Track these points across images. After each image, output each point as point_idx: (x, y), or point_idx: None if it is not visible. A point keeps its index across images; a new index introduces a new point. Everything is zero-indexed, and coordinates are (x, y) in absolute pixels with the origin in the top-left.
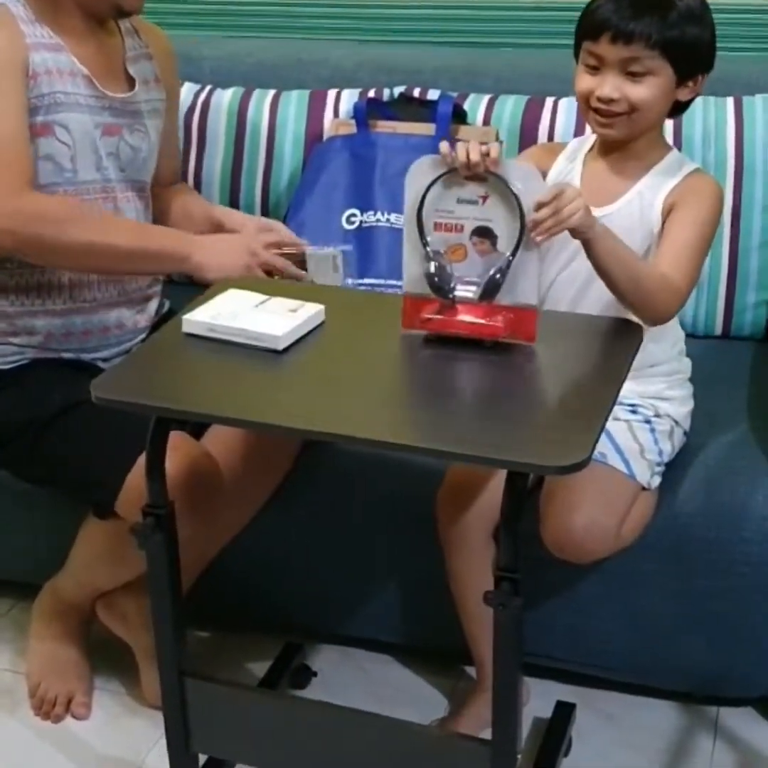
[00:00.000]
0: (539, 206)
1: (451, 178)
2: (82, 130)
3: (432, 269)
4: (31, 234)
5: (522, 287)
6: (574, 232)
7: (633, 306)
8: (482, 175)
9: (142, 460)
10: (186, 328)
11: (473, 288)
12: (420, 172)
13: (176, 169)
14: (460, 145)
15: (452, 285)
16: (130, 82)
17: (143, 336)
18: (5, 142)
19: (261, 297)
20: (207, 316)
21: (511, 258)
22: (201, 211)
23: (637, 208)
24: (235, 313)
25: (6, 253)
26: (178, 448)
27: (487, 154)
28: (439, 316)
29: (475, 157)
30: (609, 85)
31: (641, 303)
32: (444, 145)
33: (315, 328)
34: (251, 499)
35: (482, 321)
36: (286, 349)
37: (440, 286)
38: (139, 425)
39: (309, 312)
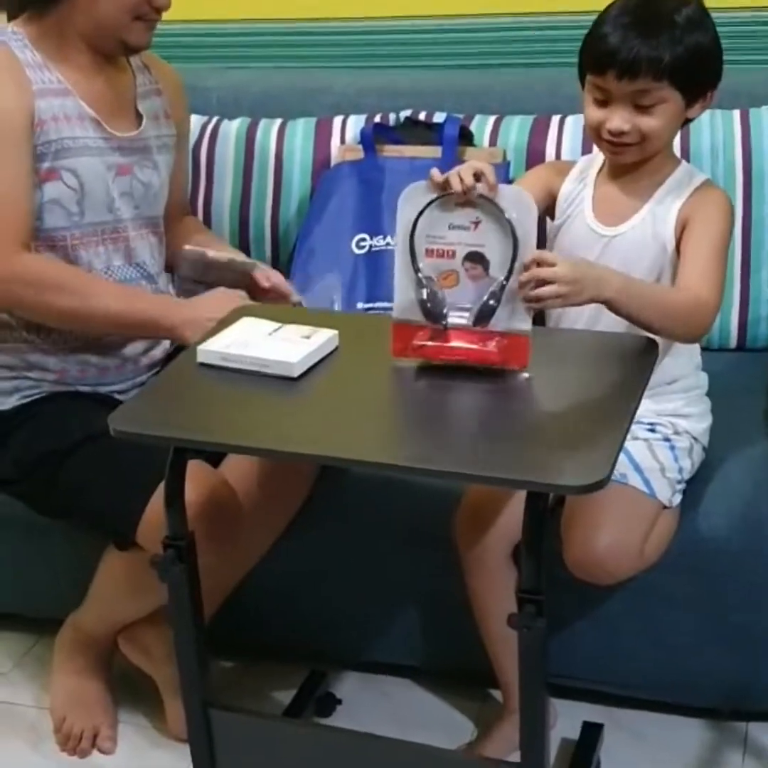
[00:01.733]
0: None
1: (443, 203)
2: (92, 174)
3: (424, 296)
4: (14, 298)
5: (515, 313)
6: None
7: (671, 336)
8: (475, 200)
9: (161, 490)
10: (200, 358)
11: (466, 314)
12: (411, 198)
13: (185, 203)
14: (452, 173)
15: (445, 311)
16: (140, 118)
17: (159, 367)
18: (2, 201)
19: (274, 325)
20: (221, 346)
21: (504, 283)
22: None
23: (650, 225)
24: (248, 341)
25: None
26: (196, 478)
27: (479, 178)
28: (431, 343)
29: (468, 180)
30: (619, 119)
31: (678, 331)
32: (435, 172)
33: (329, 354)
34: (270, 527)
35: (475, 347)
36: (301, 376)
37: (433, 312)
38: (157, 456)
39: (322, 338)
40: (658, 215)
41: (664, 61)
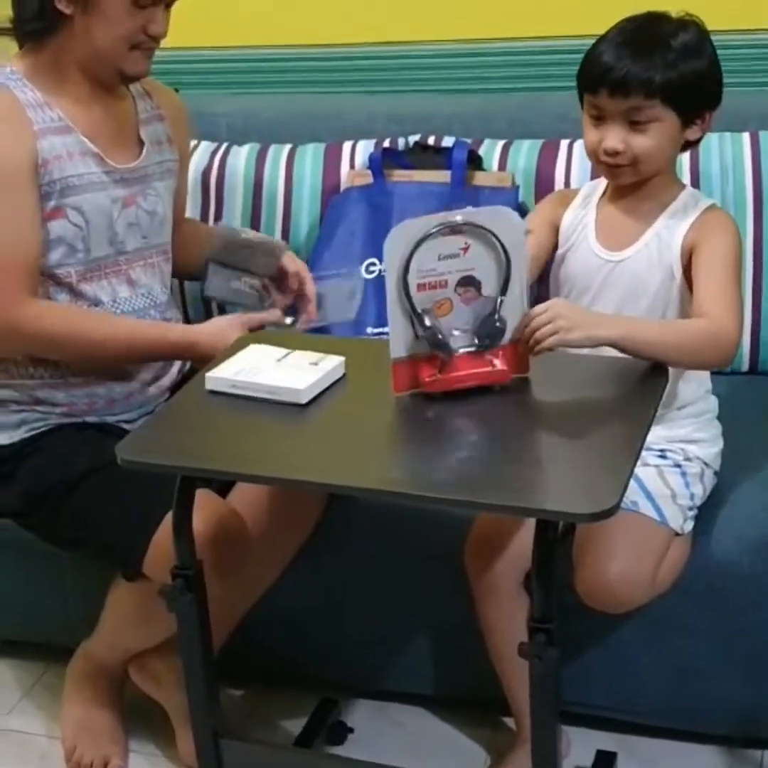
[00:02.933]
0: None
1: (429, 237)
2: (97, 210)
3: (430, 328)
4: (19, 349)
5: (510, 326)
6: (586, 346)
7: (694, 367)
8: (460, 228)
9: (168, 520)
10: (209, 385)
11: (465, 338)
12: (397, 240)
13: (182, 215)
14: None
15: (447, 339)
16: (141, 145)
17: (167, 396)
18: (10, 251)
19: (282, 351)
20: (229, 373)
21: (502, 298)
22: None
23: (655, 250)
24: (256, 368)
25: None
26: (204, 507)
27: None
28: (440, 376)
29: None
30: (612, 137)
31: (700, 362)
32: None
33: (337, 381)
34: (279, 556)
35: (484, 370)
36: (309, 403)
37: (442, 343)
38: (163, 487)
39: (330, 365)
40: (663, 239)
41: (655, 81)
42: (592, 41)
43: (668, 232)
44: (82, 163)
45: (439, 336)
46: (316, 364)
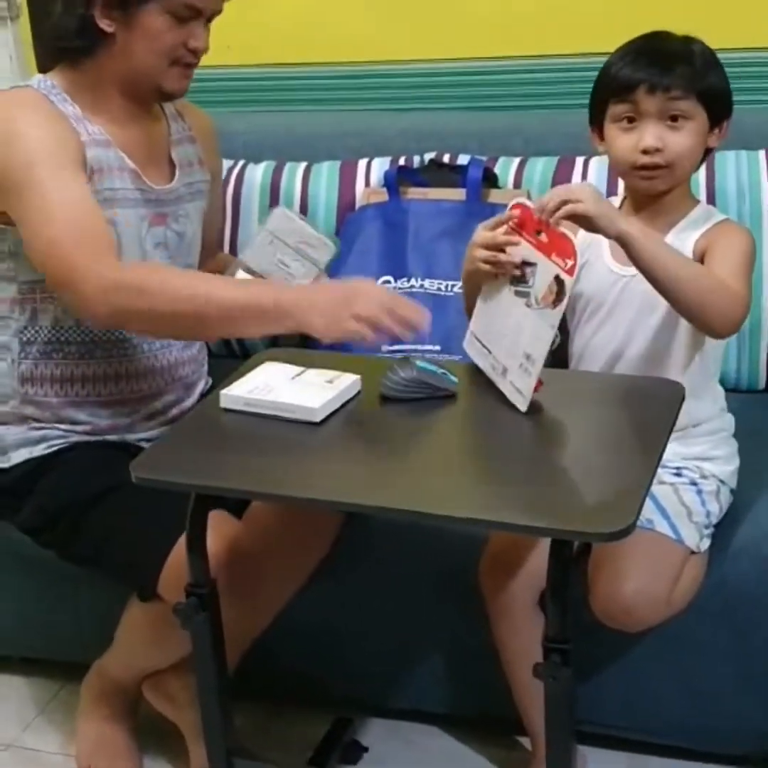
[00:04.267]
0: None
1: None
2: (129, 225)
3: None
4: (126, 308)
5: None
6: (604, 232)
7: (692, 309)
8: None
9: (182, 541)
10: (223, 403)
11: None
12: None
13: (217, 240)
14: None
15: None
16: (173, 166)
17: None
18: (83, 223)
19: (297, 369)
20: (244, 391)
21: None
22: None
23: None
24: (271, 386)
25: (109, 328)
26: (217, 528)
27: None
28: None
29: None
30: (651, 135)
31: (698, 304)
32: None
33: (352, 398)
34: (294, 575)
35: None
36: (324, 421)
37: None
38: (179, 506)
39: (345, 383)
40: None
41: (691, 78)
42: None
43: (680, 243)
44: (120, 178)
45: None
46: (331, 382)
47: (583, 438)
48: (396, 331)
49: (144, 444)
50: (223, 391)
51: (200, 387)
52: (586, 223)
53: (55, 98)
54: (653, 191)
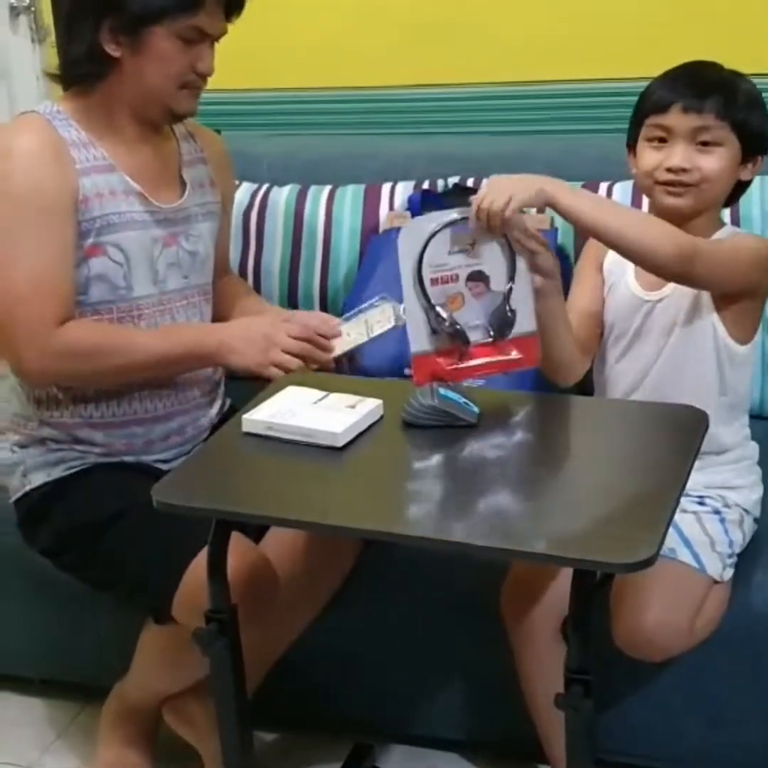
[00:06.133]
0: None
1: (441, 235)
2: (138, 247)
3: (447, 322)
4: (55, 373)
5: (521, 318)
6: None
7: (631, 247)
8: (465, 223)
9: (197, 563)
10: (246, 427)
11: (478, 331)
12: (410, 238)
13: (226, 261)
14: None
15: (463, 332)
16: (183, 186)
17: (206, 436)
18: (41, 280)
19: (320, 393)
20: (266, 415)
21: (511, 285)
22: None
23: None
24: (293, 410)
25: (40, 387)
26: (237, 553)
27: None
28: (461, 365)
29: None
30: (679, 155)
31: (636, 237)
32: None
33: (374, 423)
34: (313, 600)
35: (499, 358)
36: (346, 446)
37: (459, 335)
38: (195, 529)
39: (367, 407)
40: None
41: (727, 106)
42: (635, 84)
43: None
44: (125, 201)
45: (457, 329)
46: (353, 407)
47: (605, 467)
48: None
49: (161, 465)
50: (246, 416)
51: (216, 406)
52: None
53: (58, 123)
54: (677, 209)
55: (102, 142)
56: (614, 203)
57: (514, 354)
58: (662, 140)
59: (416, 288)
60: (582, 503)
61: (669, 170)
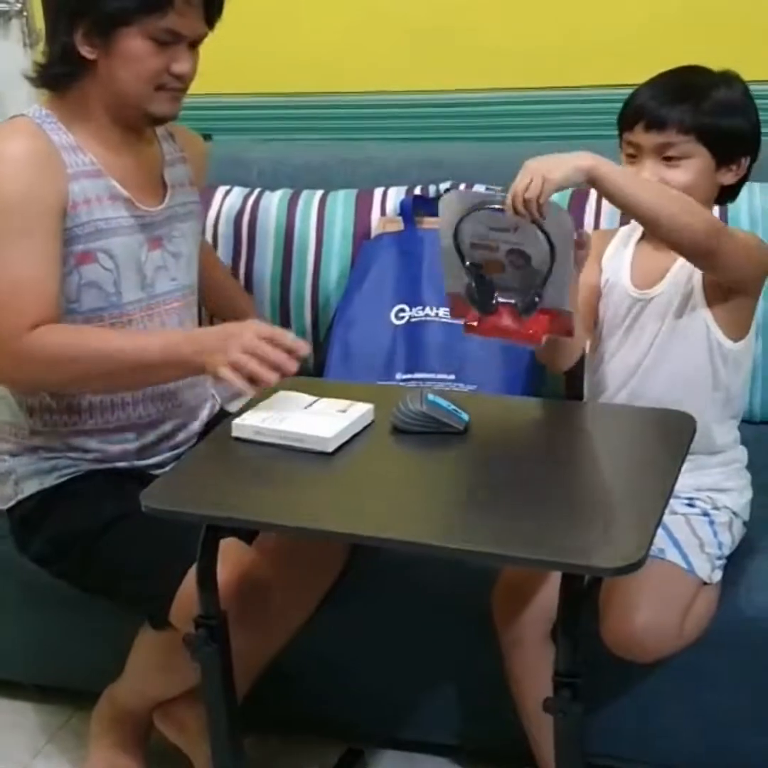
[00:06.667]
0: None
1: (483, 212)
2: (126, 253)
3: (472, 282)
4: (28, 377)
5: (561, 297)
6: (572, 183)
7: (667, 224)
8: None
9: (194, 570)
10: (235, 432)
11: (512, 297)
12: (452, 204)
13: (211, 258)
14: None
15: (495, 294)
16: (165, 188)
17: (196, 440)
18: (23, 287)
19: (310, 398)
20: (256, 420)
21: (545, 279)
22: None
23: (682, 277)
24: (284, 415)
25: (26, 394)
26: (228, 558)
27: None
28: (482, 322)
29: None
30: (647, 172)
31: (671, 213)
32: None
33: (365, 428)
34: (302, 605)
35: (522, 328)
36: (336, 451)
37: (481, 298)
38: (189, 535)
39: (358, 412)
40: (686, 266)
41: (691, 118)
42: (623, 91)
43: (691, 267)
44: (112, 207)
45: (479, 290)
46: (344, 411)
47: (593, 471)
48: (263, 376)
49: (155, 470)
50: (236, 421)
51: (206, 410)
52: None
53: (48, 127)
54: None
55: (89, 147)
56: (646, 179)
57: (542, 322)
58: (633, 156)
59: (451, 246)
60: (569, 508)
61: None
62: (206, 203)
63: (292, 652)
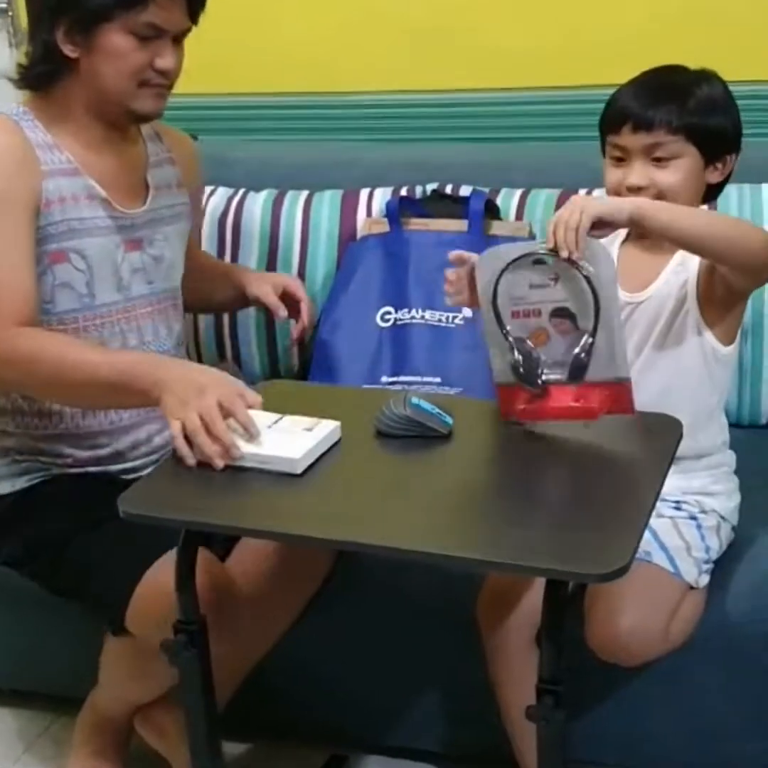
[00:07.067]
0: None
1: (517, 266)
2: (100, 254)
3: (516, 358)
4: (6, 375)
5: (611, 362)
6: (619, 223)
7: (726, 253)
8: (543, 258)
9: (148, 576)
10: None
11: (560, 372)
12: (486, 266)
13: (196, 252)
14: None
15: (540, 371)
16: (148, 190)
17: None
18: (5, 274)
19: (273, 416)
20: None
21: (592, 339)
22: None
23: (674, 280)
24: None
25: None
26: (204, 566)
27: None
28: (531, 405)
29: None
30: (636, 174)
31: (730, 244)
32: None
33: (332, 447)
34: (284, 613)
35: (576, 404)
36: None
37: (527, 375)
38: (151, 542)
39: (325, 430)
40: (680, 266)
41: (678, 117)
42: (609, 91)
43: (683, 267)
44: (89, 207)
45: (524, 367)
46: (310, 430)
47: (578, 476)
48: (209, 455)
49: (130, 475)
50: None
51: None
52: (602, 226)
53: (25, 124)
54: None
55: (67, 146)
56: (688, 208)
57: (593, 401)
58: (621, 159)
59: (493, 321)
60: (553, 512)
61: (629, 189)
62: None
63: (275, 659)
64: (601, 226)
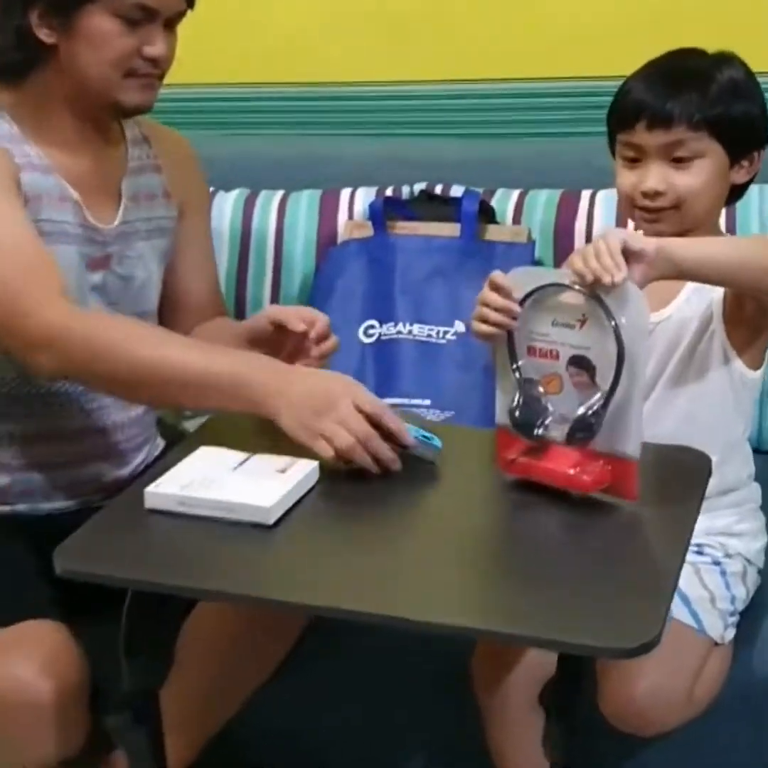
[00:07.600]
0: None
1: (545, 296)
2: (66, 263)
3: (518, 401)
4: (65, 359)
5: (621, 433)
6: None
7: (761, 284)
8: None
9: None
10: (149, 503)
11: (561, 427)
12: (519, 276)
13: (215, 300)
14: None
15: (541, 421)
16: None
17: (125, 487)
18: (35, 249)
19: (239, 455)
20: (176, 487)
21: (607, 396)
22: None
23: (696, 300)
24: (209, 479)
25: (49, 378)
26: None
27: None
28: (523, 459)
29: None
30: (653, 177)
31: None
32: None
33: (309, 491)
34: (252, 675)
35: (570, 471)
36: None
37: (523, 423)
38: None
39: (302, 471)
40: (703, 290)
41: (700, 109)
42: (616, 82)
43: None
44: (59, 209)
45: (522, 413)
46: (283, 471)
47: (590, 525)
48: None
49: (61, 514)
50: (149, 489)
51: (143, 455)
52: (630, 258)
53: None
54: (659, 235)
55: (37, 141)
56: (709, 238)
57: (590, 474)
58: (635, 159)
59: (504, 352)
60: (565, 571)
61: (644, 195)
62: None
63: (246, 721)
64: (631, 258)
